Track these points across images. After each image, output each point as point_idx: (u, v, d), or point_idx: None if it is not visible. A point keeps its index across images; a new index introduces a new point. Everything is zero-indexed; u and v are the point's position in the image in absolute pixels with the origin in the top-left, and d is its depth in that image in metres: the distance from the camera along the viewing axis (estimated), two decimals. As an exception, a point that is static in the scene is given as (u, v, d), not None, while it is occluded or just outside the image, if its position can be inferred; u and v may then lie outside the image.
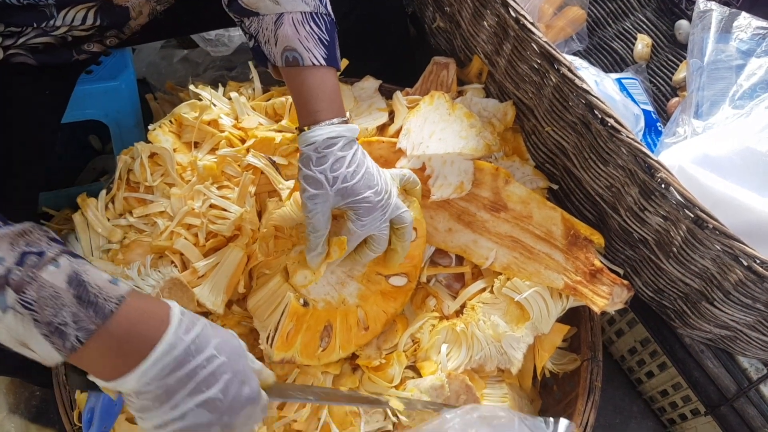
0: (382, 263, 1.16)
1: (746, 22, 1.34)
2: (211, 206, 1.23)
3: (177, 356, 0.71)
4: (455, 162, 1.20)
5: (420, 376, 1.17)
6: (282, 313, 1.07)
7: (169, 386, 0.71)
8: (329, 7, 1.04)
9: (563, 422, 1.05)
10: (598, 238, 1.15)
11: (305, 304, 1.10)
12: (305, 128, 1.00)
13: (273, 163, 1.25)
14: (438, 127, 1.23)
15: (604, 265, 1.15)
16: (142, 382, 0.71)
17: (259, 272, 1.18)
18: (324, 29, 1.02)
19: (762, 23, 1.33)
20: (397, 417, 1.13)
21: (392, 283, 1.18)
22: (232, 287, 1.16)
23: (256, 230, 1.21)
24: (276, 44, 1.01)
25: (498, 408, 1.06)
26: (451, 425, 1.01)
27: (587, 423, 1.15)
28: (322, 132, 0.98)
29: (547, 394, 1.29)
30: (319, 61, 1.00)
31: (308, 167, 0.99)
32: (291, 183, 1.24)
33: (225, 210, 1.22)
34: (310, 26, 1.00)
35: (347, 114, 1.04)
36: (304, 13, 1.00)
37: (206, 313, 1.20)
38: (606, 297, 1.11)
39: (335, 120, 1.00)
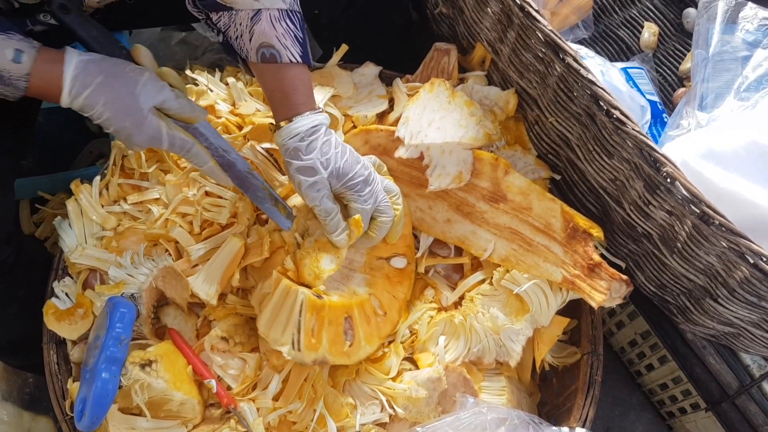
0: (379, 245, 1.17)
1: (752, 13, 1.31)
2: (207, 194, 1.21)
3: (77, 107, 0.92)
4: (454, 151, 1.18)
5: (417, 367, 1.16)
6: (300, 312, 1.05)
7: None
8: (299, 5, 1.06)
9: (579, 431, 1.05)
10: (597, 232, 1.13)
11: (319, 297, 1.08)
12: (285, 122, 1.02)
13: (270, 155, 1.23)
14: (437, 116, 1.21)
15: (606, 258, 1.13)
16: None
17: (262, 296, 1.14)
18: (298, 27, 1.03)
19: (769, 14, 1.31)
20: (394, 409, 1.12)
21: (394, 265, 1.19)
22: (226, 279, 1.14)
23: (252, 219, 1.19)
24: (251, 40, 1.02)
25: (513, 411, 1.06)
26: (464, 424, 1.01)
27: (587, 417, 1.14)
28: (305, 122, 1.01)
29: (546, 387, 1.28)
30: (296, 59, 1.02)
31: (298, 158, 1.02)
32: (286, 178, 1.22)
33: (220, 197, 1.20)
34: (287, 23, 1.02)
35: (320, 105, 1.08)
36: (281, 10, 1.02)
37: (200, 304, 1.19)
38: (604, 292, 1.10)
39: (310, 112, 1.03)
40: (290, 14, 1.02)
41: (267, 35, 1.00)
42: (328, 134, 1.03)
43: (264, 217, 1.21)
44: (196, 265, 1.17)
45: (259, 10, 1.01)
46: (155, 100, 0.95)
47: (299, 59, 1.02)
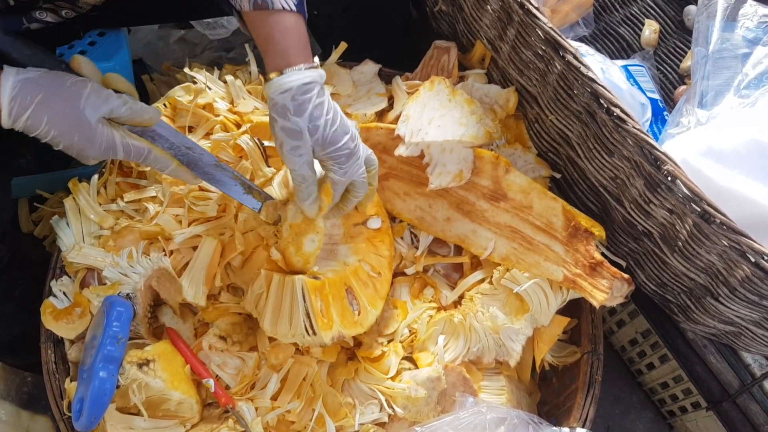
0: (352, 213, 1.15)
1: (752, 10, 1.31)
2: (200, 188, 1.20)
3: (19, 128, 0.87)
4: (454, 150, 1.18)
5: (416, 367, 1.15)
6: (304, 298, 1.04)
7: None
8: None
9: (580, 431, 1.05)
10: (598, 231, 1.12)
11: (316, 278, 1.08)
12: (275, 73, 0.94)
13: (263, 147, 1.22)
14: (437, 114, 1.21)
15: (606, 257, 1.12)
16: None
17: (256, 298, 1.13)
18: None
19: (768, 11, 1.30)
20: (393, 409, 1.11)
21: (371, 226, 1.18)
22: (210, 279, 1.14)
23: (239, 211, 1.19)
24: None
25: (512, 410, 1.05)
26: (463, 424, 1.01)
27: (587, 417, 1.13)
28: (297, 77, 0.93)
29: (546, 386, 1.28)
30: (290, 6, 0.94)
31: (285, 117, 0.94)
32: (271, 171, 1.21)
33: (208, 190, 1.20)
34: None
35: (316, 60, 0.99)
36: None
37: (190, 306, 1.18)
38: (605, 291, 1.09)
39: (304, 65, 0.95)
40: None
41: None
42: (321, 95, 0.95)
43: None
44: (187, 263, 1.17)
45: None
46: (102, 110, 0.90)
47: (293, 7, 0.95)
